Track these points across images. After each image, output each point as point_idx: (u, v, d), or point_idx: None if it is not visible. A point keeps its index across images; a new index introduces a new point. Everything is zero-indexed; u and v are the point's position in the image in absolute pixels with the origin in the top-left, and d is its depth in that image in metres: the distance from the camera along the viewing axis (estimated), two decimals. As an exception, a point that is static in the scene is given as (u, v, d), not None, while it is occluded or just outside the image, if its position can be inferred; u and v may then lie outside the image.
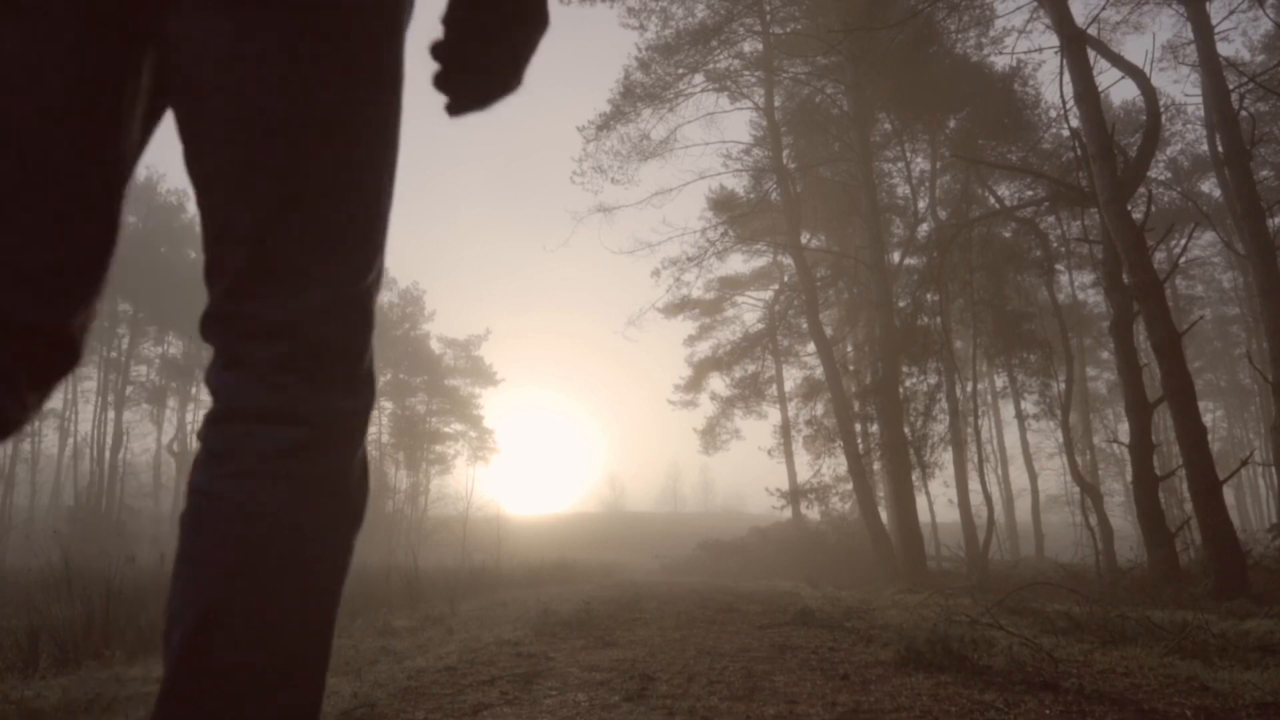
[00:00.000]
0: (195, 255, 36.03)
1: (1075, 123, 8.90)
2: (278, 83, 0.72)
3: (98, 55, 0.70)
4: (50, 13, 0.67)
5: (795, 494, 19.68)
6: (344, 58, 0.75)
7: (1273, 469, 28.50)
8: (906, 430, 13.21)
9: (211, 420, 0.76)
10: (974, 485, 16.65)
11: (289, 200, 0.74)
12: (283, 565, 0.73)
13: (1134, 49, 41.12)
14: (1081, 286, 23.68)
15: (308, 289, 0.75)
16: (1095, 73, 8.39)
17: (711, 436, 24.10)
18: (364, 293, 0.79)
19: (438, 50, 0.85)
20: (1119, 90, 64.86)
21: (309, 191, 0.75)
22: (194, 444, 33.84)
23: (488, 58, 0.85)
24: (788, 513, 20.81)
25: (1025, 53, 21.97)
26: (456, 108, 0.88)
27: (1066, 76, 8.37)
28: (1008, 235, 16.18)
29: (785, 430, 23.17)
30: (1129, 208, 7.93)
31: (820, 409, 19.41)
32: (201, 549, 0.73)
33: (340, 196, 0.76)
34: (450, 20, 0.84)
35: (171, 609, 0.74)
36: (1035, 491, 24.02)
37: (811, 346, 18.95)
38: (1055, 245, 15.95)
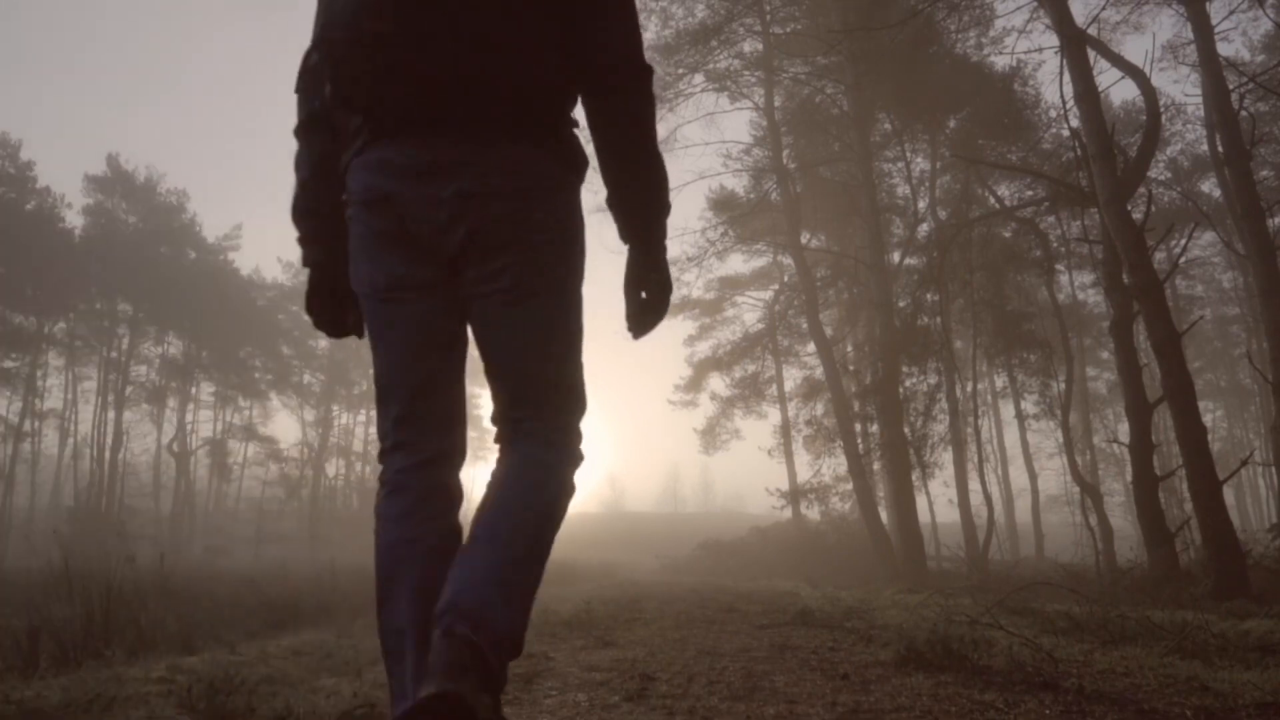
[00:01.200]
0: (195, 255, 36.04)
1: (1075, 123, 8.91)
2: (526, 331, 1.34)
3: (454, 317, 1.37)
4: (438, 298, 1.34)
5: (795, 494, 19.68)
6: (561, 315, 1.37)
7: (1273, 469, 28.50)
8: (906, 430, 13.21)
9: (506, 463, 1.36)
10: (974, 485, 16.64)
11: (539, 376, 1.36)
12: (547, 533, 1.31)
13: (1134, 49, 41.17)
14: (1081, 286, 23.69)
15: (554, 412, 1.37)
16: (1095, 73, 8.39)
17: (711, 436, 24.10)
18: (579, 417, 1.41)
19: (629, 321, 1.48)
20: (1119, 90, 64.88)
21: (548, 371, 1.36)
22: (194, 443, 33.57)
23: (657, 315, 1.50)
24: (788, 513, 20.80)
25: (1025, 53, 22.01)
26: (638, 337, 1.53)
27: (1066, 76, 8.38)
28: (1008, 235, 16.18)
29: (785, 430, 23.16)
30: (1129, 208, 7.93)
31: (820, 409, 19.40)
32: (521, 504, 1.30)
33: (561, 371, 1.37)
34: (632, 322, 1.49)
35: (474, 536, 1.25)
36: (1035, 491, 24.02)
37: (811, 346, 18.95)
38: (1055, 245, 15.94)
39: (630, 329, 1.48)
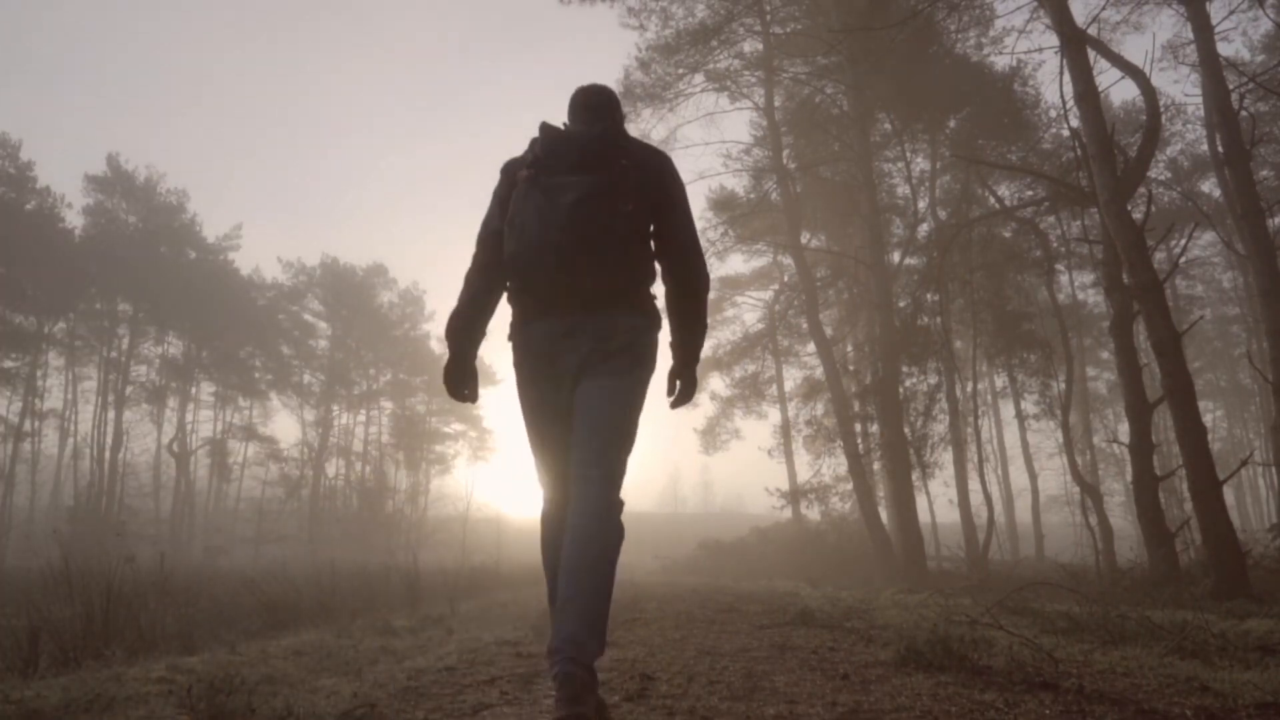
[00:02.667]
0: (195, 255, 36.02)
1: (1075, 123, 8.90)
2: (610, 403, 2.17)
3: (568, 396, 2.22)
4: (562, 385, 2.23)
5: (795, 494, 19.67)
6: (636, 392, 2.23)
7: (1273, 469, 28.49)
8: (906, 430, 13.21)
9: (582, 500, 2.10)
10: (974, 485, 16.64)
11: (614, 441, 2.17)
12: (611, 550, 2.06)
13: (1134, 49, 41.14)
14: (1081, 286, 23.69)
15: (613, 460, 2.17)
16: (1095, 73, 8.39)
17: (711, 436, 24.10)
18: (625, 459, 2.22)
19: (669, 398, 2.41)
20: (1119, 90, 64.89)
21: (621, 439, 2.18)
22: (194, 443, 33.48)
23: (685, 399, 2.44)
24: (788, 513, 20.80)
25: (1025, 53, 21.98)
26: (674, 408, 2.45)
27: (1066, 76, 8.37)
28: (1008, 235, 16.17)
29: (785, 430, 23.16)
30: (1129, 208, 7.93)
31: (820, 409, 19.40)
32: (586, 533, 2.04)
33: (628, 437, 2.20)
34: (671, 401, 2.43)
35: (569, 554, 2.00)
36: (1035, 491, 24.02)
37: (811, 346, 18.95)
38: (1055, 245, 15.93)
39: (670, 404, 2.47)
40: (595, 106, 2.44)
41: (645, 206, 2.25)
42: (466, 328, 2.34)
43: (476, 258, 2.34)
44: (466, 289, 2.33)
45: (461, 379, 2.38)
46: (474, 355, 2.39)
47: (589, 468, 2.12)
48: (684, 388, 2.43)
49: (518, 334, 2.30)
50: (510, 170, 2.33)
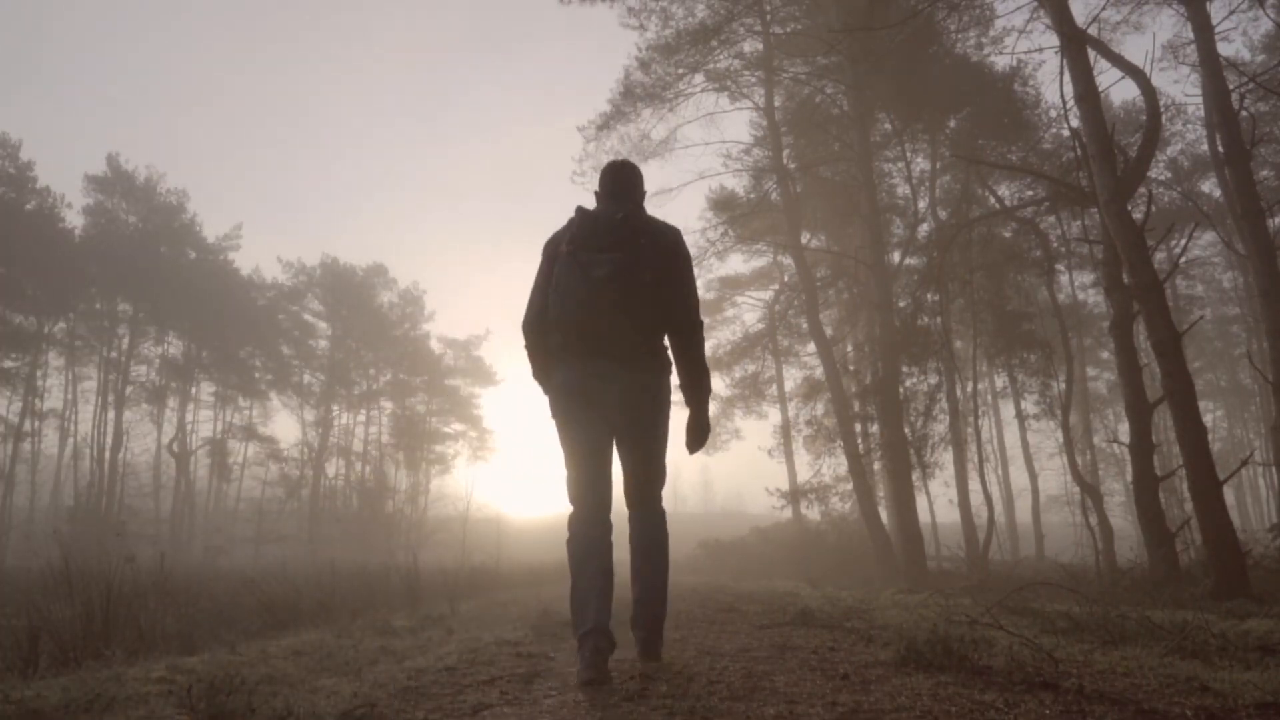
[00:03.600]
0: (195, 255, 36.03)
1: (1075, 123, 8.89)
2: (648, 456, 3.10)
3: (600, 428, 3.00)
4: (595, 419, 2.99)
5: (795, 494, 19.67)
6: (662, 439, 3.13)
7: (1273, 469, 28.49)
8: (906, 430, 13.21)
9: (641, 523, 3.17)
10: (974, 485, 16.65)
11: (647, 464, 3.09)
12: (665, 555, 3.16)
13: (1134, 49, 41.09)
14: (1081, 286, 23.70)
15: (658, 494, 3.17)
16: (1095, 73, 8.37)
17: (711, 436, 24.05)
18: (662, 487, 3.22)
19: (689, 447, 3.26)
20: (1119, 90, 64.87)
21: (653, 462, 3.09)
22: (194, 443, 33.47)
23: (700, 444, 3.29)
24: (788, 513, 20.80)
25: (1025, 53, 21.96)
26: (691, 454, 3.31)
27: (1066, 76, 8.37)
28: (1008, 235, 16.16)
29: (785, 430, 23.17)
30: (1129, 208, 7.92)
31: (820, 409, 19.40)
32: (654, 554, 3.11)
33: (661, 459, 3.12)
34: (689, 440, 3.24)
35: (638, 571, 3.05)
36: (1035, 491, 24.04)
37: (811, 346, 18.95)
38: (1055, 245, 15.92)
39: (688, 449, 3.25)
40: (622, 189, 3.18)
41: (659, 276, 2.93)
42: (539, 355, 3.12)
43: (530, 310, 3.08)
44: (530, 334, 3.10)
45: (545, 378, 3.12)
46: (544, 362, 3.10)
47: (643, 506, 3.12)
48: (698, 434, 3.22)
49: (559, 376, 2.97)
50: (552, 245, 3.08)
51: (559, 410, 2.98)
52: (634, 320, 2.86)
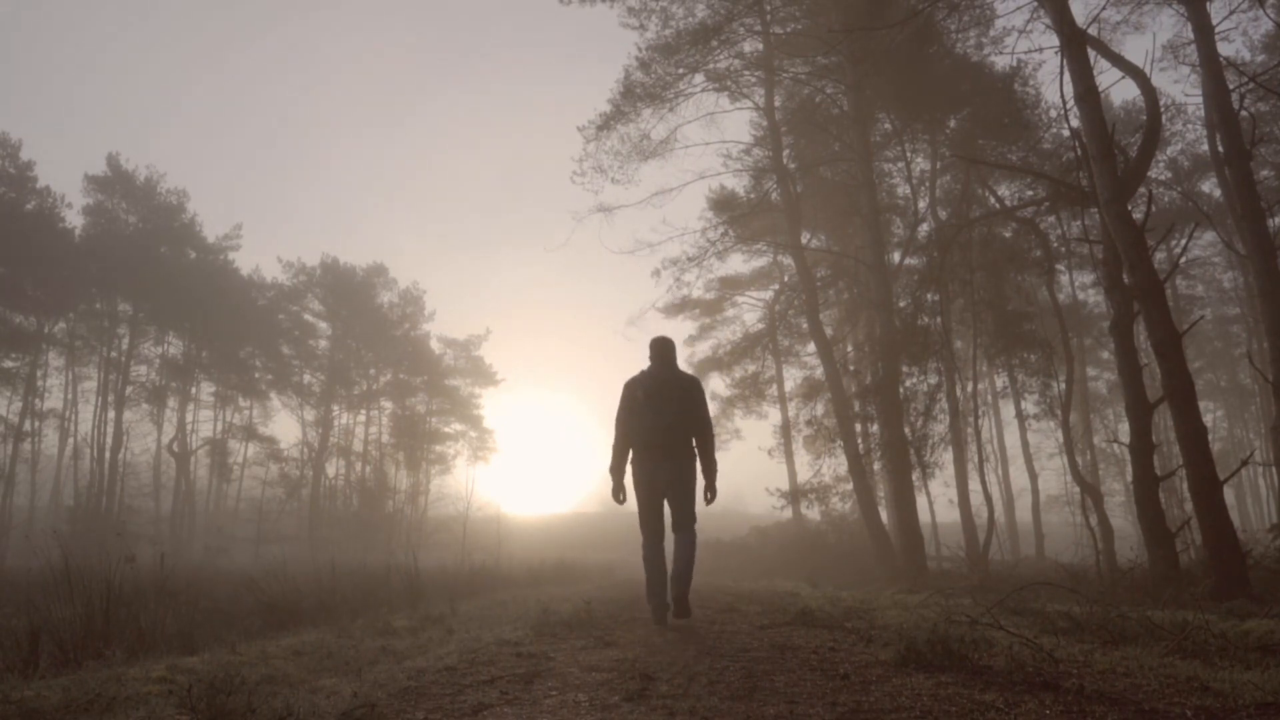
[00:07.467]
0: (195, 255, 36.00)
1: (1075, 123, 8.88)
2: (685, 500, 5.44)
3: (661, 493, 5.49)
4: (657, 489, 5.47)
5: (795, 494, 19.67)
6: (693, 494, 5.69)
7: (1273, 469, 28.48)
8: (907, 430, 13.20)
9: (680, 541, 5.50)
10: (974, 485, 16.64)
11: (684, 509, 5.40)
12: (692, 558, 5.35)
13: (1134, 49, 41.13)
14: (1081, 286, 23.71)
15: (689, 517, 5.40)
16: (1095, 73, 8.37)
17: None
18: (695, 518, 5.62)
19: (705, 501, 5.68)
20: (1119, 90, 64.93)
21: (688, 507, 5.40)
22: (194, 443, 33.44)
23: (711, 500, 5.71)
24: (788, 513, 20.80)
25: (1025, 53, 21.95)
26: (708, 505, 5.67)
27: (1066, 76, 8.36)
28: (1008, 235, 16.15)
29: (785, 430, 23.17)
30: (1129, 208, 7.92)
31: (820, 409, 19.39)
32: (686, 553, 5.28)
33: (692, 505, 5.43)
34: (706, 497, 5.61)
35: (676, 565, 5.26)
36: (1035, 491, 24.00)
37: (811, 346, 18.95)
38: (1055, 245, 15.91)
39: (705, 503, 5.49)
40: (668, 357, 5.53)
41: (691, 409, 5.34)
42: (619, 468, 5.44)
43: (618, 435, 5.45)
44: (618, 453, 5.44)
45: (622, 494, 5.39)
46: (624, 481, 5.42)
47: (682, 530, 5.26)
48: (711, 494, 5.47)
49: (640, 466, 5.31)
50: (631, 387, 5.44)
51: (640, 484, 5.29)
52: (680, 435, 5.28)
